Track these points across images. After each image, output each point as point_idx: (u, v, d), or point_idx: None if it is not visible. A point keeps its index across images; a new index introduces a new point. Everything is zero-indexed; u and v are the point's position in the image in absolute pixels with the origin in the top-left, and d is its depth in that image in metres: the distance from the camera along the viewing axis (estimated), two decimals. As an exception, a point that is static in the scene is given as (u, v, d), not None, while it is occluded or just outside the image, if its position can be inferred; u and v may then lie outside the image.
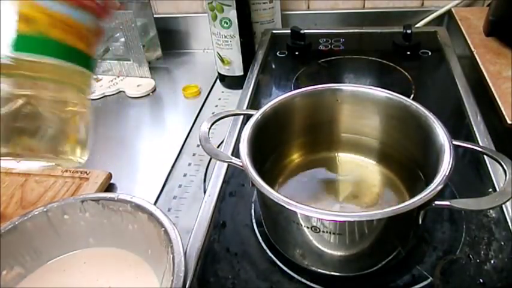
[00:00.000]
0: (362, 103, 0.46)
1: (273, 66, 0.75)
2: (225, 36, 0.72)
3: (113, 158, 0.64)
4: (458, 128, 0.56)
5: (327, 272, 0.40)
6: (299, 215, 0.35)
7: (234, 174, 0.52)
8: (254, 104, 0.65)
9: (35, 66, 0.26)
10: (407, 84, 0.66)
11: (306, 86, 0.47)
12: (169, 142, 0.66)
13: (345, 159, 0.50)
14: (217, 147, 0.59)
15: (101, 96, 0.80)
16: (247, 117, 0.44)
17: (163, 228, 0.40)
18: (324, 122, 0.48)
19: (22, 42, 0.25)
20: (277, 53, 0.78)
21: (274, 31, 0.82)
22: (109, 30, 0.84)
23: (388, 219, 0.33)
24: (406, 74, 0.68)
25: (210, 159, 0.60)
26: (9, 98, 0.24)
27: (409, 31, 0.72)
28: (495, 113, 0.56)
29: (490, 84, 0.59)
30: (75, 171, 0.57)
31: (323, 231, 0.35)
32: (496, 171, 0.47)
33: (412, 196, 0.33)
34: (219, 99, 0.76)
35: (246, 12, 0.72)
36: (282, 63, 0.76)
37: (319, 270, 0.40)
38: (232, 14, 0.69)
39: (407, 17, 0.83)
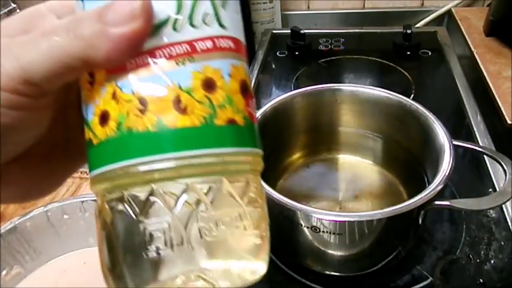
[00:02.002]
0: (362, 103, 0.46)
1: (273, 66, 0.75)
2: (225, 36, 0.72)
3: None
4: (458, 128, 0.56)
5: (327, 272, 0.40)
6: (299, 215, 0.35)
7: (234, 174, 0.52)
8: (254, 104, 0.65)
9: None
10: (407, 84, 0.66)
11: (306, 86, 0.47)
12: (169, 142, 0.66)
13: (345, 159, 0.50)
14: (217, 147, 0.59)
15: (101, 96, 0.80)
16: (247, 117, 0.44)
17: (163, 228, 0.40)
18: (323, 122, 0.48)
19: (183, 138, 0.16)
20: (277, 53, 0.78)
21: (274, 31, 0.82)
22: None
23: (388, 219, 0.33)
24: (406, 74, 0.68)
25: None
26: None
27: (409, 31, 0.72)
28: (495, 113, 0.56)
29: (490, 84, 0.59)
30: (75, 171, 0.57)
31: (323, 231, 0.35)
32: (496, 171, 0.47)
33: (411, 196, 0.33)
34: (219, 99, 0.76)
35: (246, 12, 0.72)
36: (282, 63, 0.76)
37: (319, 270, 0.40)
38: (232, 14, 0.69)
39: (407, 17, 0.83)
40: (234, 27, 0.18)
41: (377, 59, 0.73)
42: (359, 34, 0.81)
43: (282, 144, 0.48)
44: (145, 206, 0.16)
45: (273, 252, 0.45)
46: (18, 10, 0.72)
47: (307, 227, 0.35)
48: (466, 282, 0.38)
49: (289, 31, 0.77)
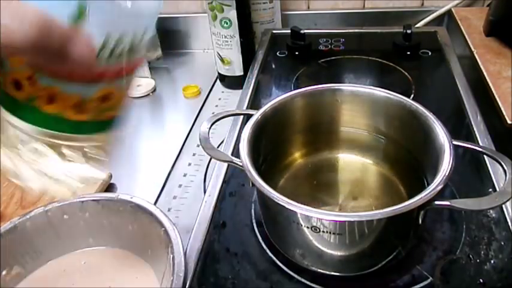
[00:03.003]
0: (362, 103, 0.46)
1: (273, 66, 0.75)
2: (225, 36, 0.72)
3: (112, 157, 0.63)
4: (458, 128, 0.56)
5: (327, 272, 0.40)
6: (299, 215, 0.35)
7: (234, 174, 0.52)
8: (254, 104, 0.65)
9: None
10: (407, 84, 0.66)
11: (306, 86, 0.47)
12: (169, 142, 0.66)
13: (345, 159, 0.50)
14: (217, 147, 0.59)
15: (100, 96, 0.80)
16: (247, 117, 0.44)
17: (163, 228, 0.40)
18: (324, 122, 0.48)
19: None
20: (277, 53, 0.78)
21: (274, 31, 0.82)
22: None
23: (388, 219, 0.34)
24: (406, 74, 0.68)
25: (210, 159, 0.60)
26: None
27: (409, 31, 0.72)
28: (495, 113, 0.56)
29: (490, 84, 0.59)
30: (75, 171, 0.57)
31: (323, 231, 0.35)
32: (496, 171, 0.47)
33: (411, 196, 0.33)
34: (219, 99, 0.76)
35: (246, 12, 0.72)
36: (282, 63, 0.76)
37: (319, 270, 0.40)
38: (232, 14, 0.69)
39: (407, 17, 0.83)
40: None
41: (377, 59, 0.73)
42: (359, 34, 0.81)
43: (282, 144, 0.48)
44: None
45: (273, 252, 0.45)
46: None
47: (307, 227, 0.35)
48: (466, 282, 0.38)
49: (289, 31, 0.77)
